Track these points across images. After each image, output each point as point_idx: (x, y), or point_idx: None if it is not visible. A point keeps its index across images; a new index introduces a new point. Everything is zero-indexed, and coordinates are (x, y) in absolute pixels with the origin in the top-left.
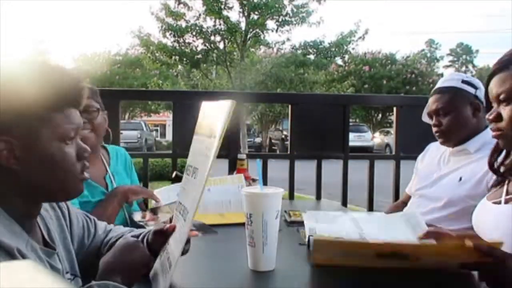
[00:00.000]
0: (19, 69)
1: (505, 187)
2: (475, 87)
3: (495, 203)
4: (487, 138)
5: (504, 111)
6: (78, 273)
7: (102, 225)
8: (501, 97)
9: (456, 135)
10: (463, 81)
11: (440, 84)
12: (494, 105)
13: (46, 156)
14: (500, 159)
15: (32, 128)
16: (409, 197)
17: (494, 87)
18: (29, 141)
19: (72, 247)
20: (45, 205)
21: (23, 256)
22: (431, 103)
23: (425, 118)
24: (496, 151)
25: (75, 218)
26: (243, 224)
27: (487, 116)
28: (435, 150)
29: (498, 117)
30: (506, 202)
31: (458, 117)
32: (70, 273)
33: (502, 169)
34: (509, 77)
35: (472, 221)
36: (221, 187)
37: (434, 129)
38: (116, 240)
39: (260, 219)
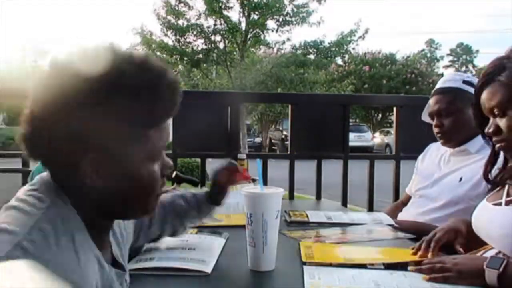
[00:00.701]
0: (118, 69)
1: (505, 189)
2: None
3: (495, 204)
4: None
5: (501, 122)
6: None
7: None
8: (495, 110)
9: (458, 136)
10: (464, 82)
11: (441, 84)
12: (490, 118)
13: (134, 175)
14: (495, 169)
15: (124, 147)
16: (408, 198)
17: (486, 101)
18: (119, 159)
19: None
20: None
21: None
22: (433, 103)
23: (425, 117)
24: (490, 162)
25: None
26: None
27: (486, 130)
28: (435, 150)
29: (498, 130)
30: (507, 204)
31: (460, 118)
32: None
33: (498, 178)
34: (498, 89)
35: (472, 222)
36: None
37: (435, 130)
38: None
39: (260, 219)
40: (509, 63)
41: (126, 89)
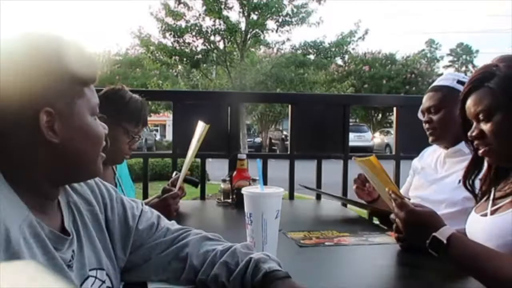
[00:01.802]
0: (58, 45)
1: (491, 198)
2: None
3: (482, 215)
4: None
5: (486, 127)
6: (104, 267)
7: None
8: (481, 115)
9: (446, 134)
10: (458, 81)
11: (435, 83)
12: (474, 123)
13: (82, 128)
14: (479, 176)
15: (70, 101)
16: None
17: (472, 106)
18: (67, 113)
19: (107, 243)
20: (79, 200)
21: (7, 231)
22: (424, 100)
23: (420, 115)
24: (470, 168)
25: (110, 200)
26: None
27: (469, 134)
28: (431, 154)
29: (481, 134)
30: (492, 213)
31: (448, 115)
32: (88, 266)
33: (484, 187)
34: (485, 95)
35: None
36: None
37: (425, 126)
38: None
39: (260, 219)
40: (498, 71)
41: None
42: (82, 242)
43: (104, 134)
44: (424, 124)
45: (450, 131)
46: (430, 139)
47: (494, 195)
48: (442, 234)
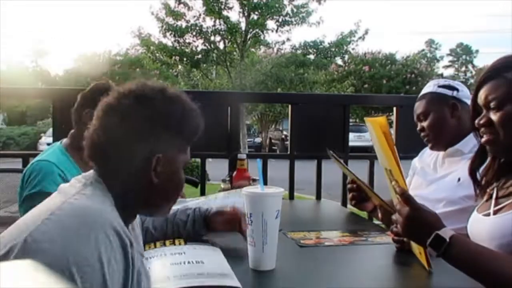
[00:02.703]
0: (183, 107)
1: (493, 197)
2: (453, 89)
3: (485, 215)
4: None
5: (495, 116)
6: None
7: None
8: (492, 104)
9: (440, 136)
10: (439, 86)
11: (420, 93)
12: (484, 110)
13: (175, 176)
14: (482, 170)
15: (175, 153)
16: None
17: (485, 93)
18: (172, 163)
19: None
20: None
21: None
22: (414, 111)
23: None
24: (476, 159)
25: None
26: None
27: (476, 121)
28: (429, 154)
29: (489, 122)
30: (495, 213)
31: (436, 117)
32: None
33: (485, 179)
34: (501, 85)
35: (468, 233)
36: (227, 199)
37: (421, 135)
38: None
39: (260, 219)
40: None
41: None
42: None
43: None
44: (419, 134)
45: (443, 134)
46: (429, 146)
47: (496, 194)
48: (445, 233)
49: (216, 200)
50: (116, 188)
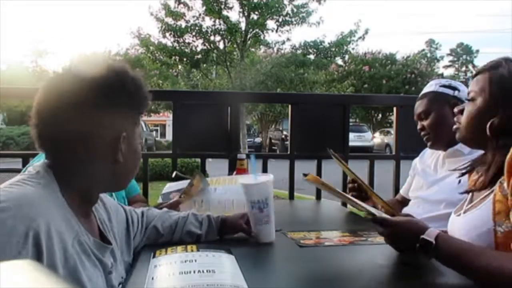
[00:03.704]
0: (123, 79)
1: (468, 198)
2: (454, 89)
3: (457, 215)
4: None
5: (468, 107)
6: (124, 274)
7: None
8: (470, 95)
9: (440, 136)
10: (441, 85)
11: (422, 92)
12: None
13: (136, 150)
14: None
15: (132, 128)
16: (402, 197)
17: (470, 86)
18: (131, 138)
19: (118, 238)
20: (100, 209)
21: (65, 249)
22: (415, 109)
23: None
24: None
25: (115, 208)
26: None
27: (455, 109)
28: (430, 155)
29: (461, 112)
30: (465, 212)
31: (437, 116)
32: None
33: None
34: (481, 80)
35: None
36: (227, 187)
37: (421, 134)
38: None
39: (272, 201)
40: (502, 67)
41: (124, 91)
42: (115, 250)
43: None
44: (419, 133)
45: (443, 133)
46: (428, 144)
47: (472, 195)
48: (429, 235)
49: (216, 192)
50: (69, 175)
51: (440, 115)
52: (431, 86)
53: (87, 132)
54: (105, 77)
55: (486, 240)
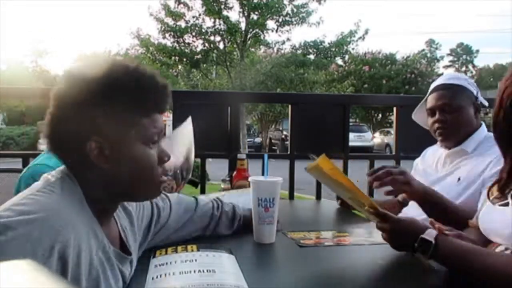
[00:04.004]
0: (114, 74)
1: (510, 189)
2: (476, 89)
3: (502, 205)
4: (481, 137)
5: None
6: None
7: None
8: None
9: (457, 134)
10: (469, 83)
11: (444, 81)
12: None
13: (131, 157)
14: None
15: (121, 131)
16: (403, 197)
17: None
18: (117, 142)
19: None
20: (121, 214)
21: (91, 259)
22: (435, 99)
23: (416, 117)
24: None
25: (141, 209)
26: None
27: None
28: (431, 154)
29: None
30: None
31: (464, 115)
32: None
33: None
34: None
35: (479, 225)
36: (235, 195)
37: (436, 125)
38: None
39: (278, 202)
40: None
41: (120, 89)
42: (134, 260)
43: (162, 153)
44: (434, 124)
45: (462, 131)
46: (440, 138)
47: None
48: (429, 235)
49: (230, 197)
50: (84, 182)
51: (467, 114)
52: (459, 80)
53: (85, 132)
54: (100, 77)
55: None
